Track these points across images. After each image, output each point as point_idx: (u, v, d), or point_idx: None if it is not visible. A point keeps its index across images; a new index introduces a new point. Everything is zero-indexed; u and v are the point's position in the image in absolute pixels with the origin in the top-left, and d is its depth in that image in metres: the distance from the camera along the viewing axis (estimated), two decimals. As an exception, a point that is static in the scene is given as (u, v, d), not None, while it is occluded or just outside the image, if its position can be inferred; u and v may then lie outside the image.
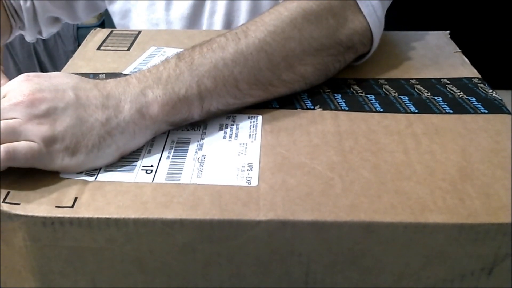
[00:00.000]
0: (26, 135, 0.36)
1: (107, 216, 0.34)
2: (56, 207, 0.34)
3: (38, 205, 0.34)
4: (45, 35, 0.79)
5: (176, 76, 0.40)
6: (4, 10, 0.70)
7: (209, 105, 0.42)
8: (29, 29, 0.74)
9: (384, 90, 0.47)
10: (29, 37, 0.77)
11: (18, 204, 0.34)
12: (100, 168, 0.38)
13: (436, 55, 0.54)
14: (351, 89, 0.48)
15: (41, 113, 0.36)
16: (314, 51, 0.45)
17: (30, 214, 0.34)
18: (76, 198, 0.35)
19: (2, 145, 0.35)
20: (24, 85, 0.37)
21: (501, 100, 0.45)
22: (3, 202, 0.34)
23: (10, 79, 0.44)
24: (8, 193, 0.35)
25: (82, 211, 0.34)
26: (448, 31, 0.59)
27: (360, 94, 0.47)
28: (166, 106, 0.39)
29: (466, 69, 0.51)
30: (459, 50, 0.55)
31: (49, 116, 0.36)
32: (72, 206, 0.34)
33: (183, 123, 0.42)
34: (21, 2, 0.71)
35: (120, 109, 0.38)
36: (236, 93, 0.42)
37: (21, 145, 0.36)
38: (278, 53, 0.43)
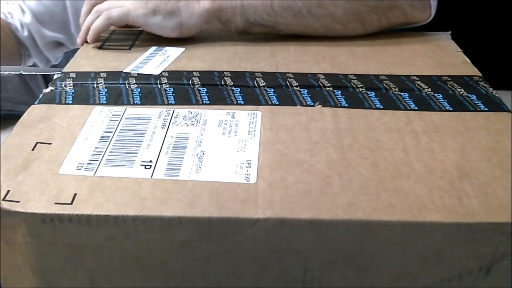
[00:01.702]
0: (120, 5, 0.56)
1: (106, 214, 0.34)
2: (55, 203, 0.34)
3: (38, 202, 0.34)
4: (54, 60, 0.84)
5: None
6: (14, 39, 0.78)
7: (248, 16, 0.55)
8: (35, 57, 0.81)
9: (385, 85, 0.47)
10: (40, 65, 0.83)
11: (18, 201, 0.35)
12: (100, 163, 0.38)
13: (437, 54, 0.54)
14: (352, 83, 0.48)
15: None
16: None
17: (29, 211, 0.34)
18: (75, 195, 0.35)
19: (102, 14, 0.56)
20: None
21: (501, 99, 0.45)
22: (3, 200, 0.35)
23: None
24: (8, 191, 0.35)
25: (81, 208, 0.34)
26: (449, 32, 0.59)
27: (361, 89, 0.47)
28: (214, 3, 0.54)
29: (467, 68, 0.51)
30: (460, 50, 0.54)
31: None
32: (71, 203, 0.34)
33: (230, 27, 0.56)
34: (19, 34, 0.77)
35: None
36: (270, 12, 0.55)
37: (115, 9, 0.56)
38: None
